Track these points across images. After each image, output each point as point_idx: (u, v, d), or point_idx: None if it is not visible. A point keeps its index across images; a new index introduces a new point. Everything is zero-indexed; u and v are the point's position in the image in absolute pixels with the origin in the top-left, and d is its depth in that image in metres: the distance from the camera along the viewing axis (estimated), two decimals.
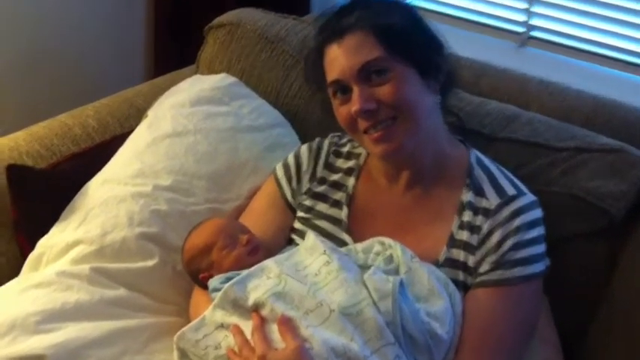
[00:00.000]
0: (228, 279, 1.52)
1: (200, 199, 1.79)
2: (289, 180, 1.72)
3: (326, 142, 1.73)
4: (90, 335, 1.53)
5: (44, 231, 1.76)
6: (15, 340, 1.49)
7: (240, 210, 1.79)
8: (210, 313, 1.49)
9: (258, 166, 1.87)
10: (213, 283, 1.55)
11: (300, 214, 1.70)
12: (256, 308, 1.44)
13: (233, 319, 1.46)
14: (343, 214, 1.65)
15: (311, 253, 1.52)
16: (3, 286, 1.66)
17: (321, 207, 1.67)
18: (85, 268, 1.65)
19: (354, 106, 1.46)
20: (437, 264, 1.53)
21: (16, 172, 1.76)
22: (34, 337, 1.50)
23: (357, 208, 1.66)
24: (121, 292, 1.65)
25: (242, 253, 1.58)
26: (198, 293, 1.63)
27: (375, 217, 1.64)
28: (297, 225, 1.69)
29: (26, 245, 1.78)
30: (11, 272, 1.71)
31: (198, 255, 1.61)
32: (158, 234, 1.71)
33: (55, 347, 1.48)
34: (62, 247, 1.70)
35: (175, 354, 1.52)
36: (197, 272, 1.62)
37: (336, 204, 1.67)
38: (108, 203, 1.74)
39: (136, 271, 1.68)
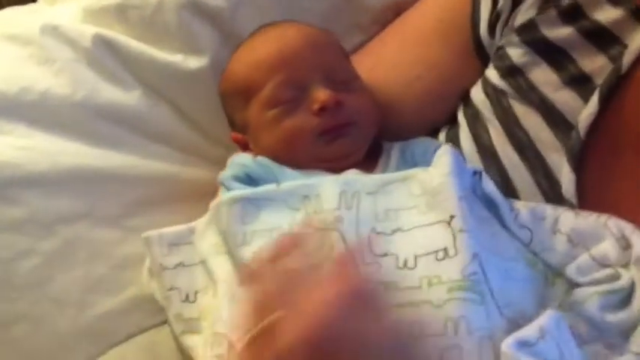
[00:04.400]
0: (247, 178, 0.72)
1: None
2: None
3: None
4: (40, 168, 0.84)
5: None
6: None
7: (390, 11, 0.87)
8: (203, 228, 0.73)
9: None
10: (227, 170, 0.76)
11: (491, 72, 0.74)
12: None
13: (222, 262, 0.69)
14: (586, 114, 0.67)
15: (428, 204, 0.63)
16: None
17: (543, 76, 0.71)
18: (88, 31, 0.90)
19: None
20: None
21: None
22: None
23: (622, 114, 0.67)
24: (135, 96, 0.90)
25: (304, 128, 0.73)
26: None
27: None
28: (477, 94, 0.75)
29: None
30: None
31: (233, 94, 0.79)
32: (223, 11, 0.88)
33: None
34: None
35: (146, 266, 0.79)
36: (230, 120, 0.81)
37: (581, 82, 0.69)
38: None
39: (169, 66, 0.89)
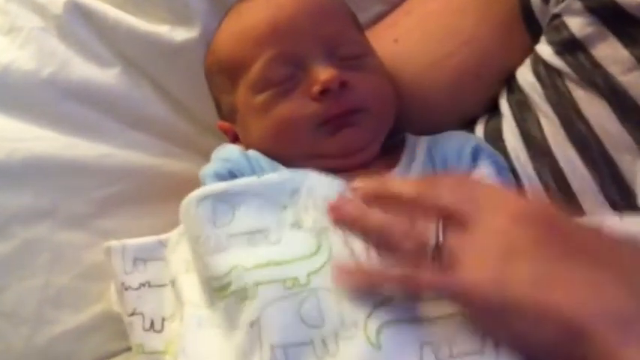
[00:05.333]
0: (230, 176, 0.60)
1: None
2: None
3: None
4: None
5: None
6: None
7: None
8: (177, 240, 0.62)
9: None
10: (209, 164, 0.63)
11: (543, 47, 0.59)
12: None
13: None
14: None
15: None
16: None
17: (611, 52, 0.56)
18: None
19: None
20: None
21: None
22: None
23: None
24: (113, 74, 0.77)
25: (301, 116, 0.60)
26: None
27: None
28: (525, 75, 0.60)
29: None
30: None
31: (217, 73, 0.66)
32: None
33: None
34: None
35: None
36: (217, 104, 0.70)
37: None
38: None
39: (153, 38, 0.76)
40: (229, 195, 0.55)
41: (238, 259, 0.51)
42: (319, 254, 0.50)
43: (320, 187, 0.54)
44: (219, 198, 0.55)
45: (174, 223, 0.67)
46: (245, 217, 0.53)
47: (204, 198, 0.55)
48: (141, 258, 0.62)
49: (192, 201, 0.56)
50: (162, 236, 0.62)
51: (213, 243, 0.53)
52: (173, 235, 0.61)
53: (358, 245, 0.50)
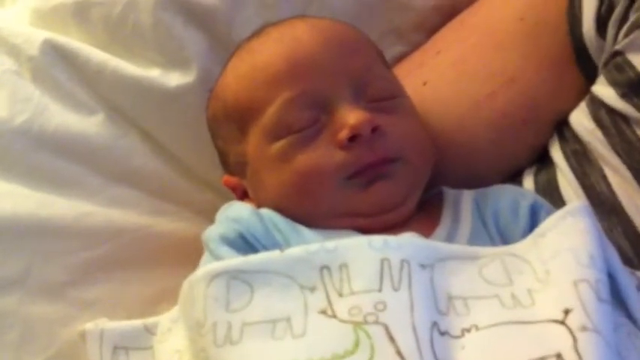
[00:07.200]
0: (240, 240, 0.51)
1: None
2: None
3: None
4: None
5: None
6: None
7: (438, 13, 0.66)
8: (168, 326, 0.52)
9: None
10: (215, 226, 0.55)
11: (603, 88, 0.53)
12: None
13: None
14: None
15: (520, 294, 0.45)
16: None
17: None
18: (37, 36, 0.71)
19: None
20: None
21: None
22: None
23: None
24: (96, 122, 0.70)
25: (325, 167, 0.52)
26: None
27: None
28: (582, 120, 0.54)
29: None
30: None
31: (224, 120, 0.59)
32: (217, 11, 0.68)
33: None
34: None
35: None
36: (222, 156, 0.61)
37: None
38: None
39: (143, 82, 0.69)
40: (247, 273, 0.45)
41: (253, 356, 0.42)
42: (358, 353, 0.41)
43: (356, 263, 0.44)
44: (236, 276, 0.45)
45: (166, 292, 0.59)
46: (265, 301, 0.44)
47: (218, 275, 0.45)
48: (122, 346, 0.53)
49: (201, 278, 0.46)
50: (150, 320, 0.54)
51: (222, 332, 0.43)
52: (163, 321, 0.52)
53: (407, 342, 0.41)
